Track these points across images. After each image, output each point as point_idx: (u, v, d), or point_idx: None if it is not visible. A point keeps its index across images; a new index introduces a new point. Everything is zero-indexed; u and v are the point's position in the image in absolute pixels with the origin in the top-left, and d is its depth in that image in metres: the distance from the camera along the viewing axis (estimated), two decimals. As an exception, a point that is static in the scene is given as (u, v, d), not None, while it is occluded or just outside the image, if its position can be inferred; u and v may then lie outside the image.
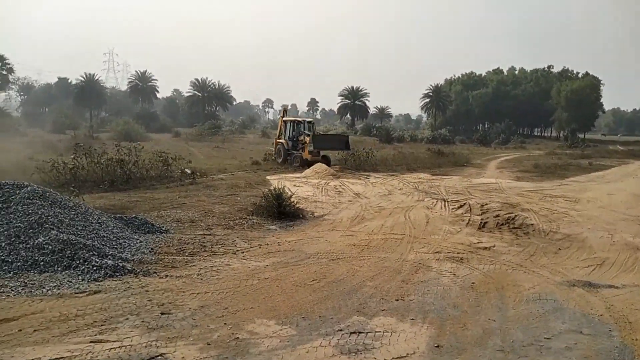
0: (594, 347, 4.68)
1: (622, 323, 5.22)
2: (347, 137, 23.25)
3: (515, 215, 10.22)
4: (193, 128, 46.18)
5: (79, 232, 7.02)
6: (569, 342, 4.77)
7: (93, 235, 7.16)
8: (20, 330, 4.61)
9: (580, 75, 76.50)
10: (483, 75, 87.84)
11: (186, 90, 77.06)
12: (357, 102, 72.34)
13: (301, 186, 14.88)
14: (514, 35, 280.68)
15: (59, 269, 6.19)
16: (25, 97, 77.27)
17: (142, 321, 4.89)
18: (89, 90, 63.89)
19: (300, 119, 23.81)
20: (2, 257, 6.21)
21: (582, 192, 14.49)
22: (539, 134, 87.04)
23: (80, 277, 6.05)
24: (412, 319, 5.20)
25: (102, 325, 4.78)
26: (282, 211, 10.24)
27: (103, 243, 7.07)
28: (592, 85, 68.36)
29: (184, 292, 5.79)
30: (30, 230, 6.66)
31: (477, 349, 4.58)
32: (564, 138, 63.69)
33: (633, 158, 32.89)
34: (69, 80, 73.38)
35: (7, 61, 64.01)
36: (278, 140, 22.72)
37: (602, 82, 70.67)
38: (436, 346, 4.60)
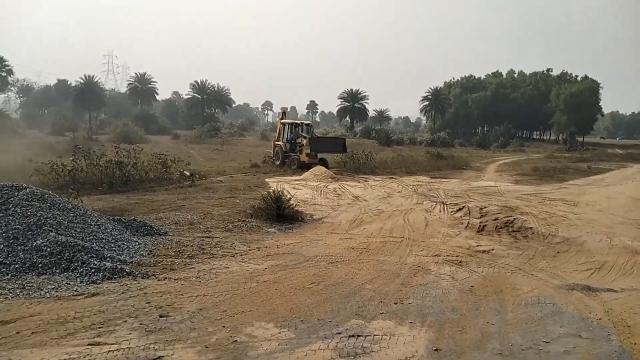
0: (593, 351, 4.68)
1: (621, 327, 5.22)
2: (344, 140, 23.43)
3: (514, 219, 10.22)
4: (192, 130, 46.23)
5: (77, 234, 7.00)
6: (567, 345, 4.76)
7: (91, 237, 7.15)
8: (18, 332, 4.59)
9: (579, 78, 76.75)
10: (482, 78, 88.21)
11: (185, 92, 77.25)
12: (356, 104, 72.50)
13: (300, 189, 14.88)
14: (513, 36, 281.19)
15: (57, 271, 6.18)
16: (24, 99, 77.39)
17: (141, 324, 4.88)
18: (88, 92, 63.89)
19: (298, 122, 23.96)
20: (0, 259, 6.19)
21: (581, 196, 14.50)
22: (538, 137, 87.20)
23: (78, 280, 6.04)
24: (411, 323, 5.20)
25: (100, 327, 4.77)
26: (281, 214, 10.24)
27: (101, 245, 7.06)
28: (591, 88, 68.57)
29: (182, 294, 5.78)
30: (29, 232, 6.65)
31: (476, 353, 4.58)
32: (562, 141, 63.85)
33: (632, 161, 32.95)
34: (69, 82, 73.64)
35: (6, 63, 64.25)
36: (276, 143, 22.77)
37: (601, 85, 70.98)
38: (435, 350, 4.59)
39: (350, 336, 4.79)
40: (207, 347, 4.46)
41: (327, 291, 6.09)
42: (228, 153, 29.95)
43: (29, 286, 5.74)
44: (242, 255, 7.63)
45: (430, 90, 75.42)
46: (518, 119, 75.64)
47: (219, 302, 5.58)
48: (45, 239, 6.53)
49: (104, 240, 7.25)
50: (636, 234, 9.48)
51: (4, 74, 64.64)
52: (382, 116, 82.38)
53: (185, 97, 76.75)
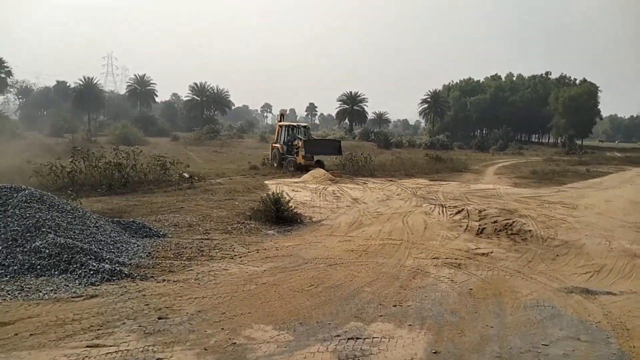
0: (592, 354, 4.68)
1: (620, 330, 5.22)
2: (339, 142, 23.67)
3: (513, 222, 10.24)
4: (191, 132, 46.23)
5: (76, 236, 6.99)
6: (566, 348, 4.76)
7: (90, 239, 7.14)
8: (17, 334, 4.58)
9: (577, 81, 76.87)
10: (481, 81, 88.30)
11: (185, 94, 77.16)
12: (355, 107, 72.44)
13: (299, 191, 14.87)
14: (513, 36, 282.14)
15: (56, 272, 6.17)
16: (23, 100, 77.29)
17: (139, 326, 4.87)
18: (87, 94, 63.82)
19: (295, 124, 24.13)
20: (-1, 261, 6.18)
21: (580, 199, 14.52)
22: (536, 140, 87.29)
23: (77, 281, 6.03)
24: (410, 325, 5.20)
25: (98, 329, 4.76)
26: (280, 216, 10.24)
27: (100, 247, 7.05)
28: (589, 91, 68.62)
29: (181, 296, 5.77)
30: (28, 234, 6.64)
31: (475, 356, 4.58)
32: (561, 144, 63.79)
33: (630, 165, 33.00)
34: (68, 84, 73.45)
35: (5, 64, 64.24)
36: (274, 145, 22.87)
37: (599, 88, 71.08)
38: (434, 352, 4.59)
39: (349, 339, 4.78)
40: (206, 350, 4.45)
41: (326, 294, 6.09)
42: (227, 155, 29.96)
43: (28, 288, 5.74)
44: (241, 257, 7.63)
45: (429, 93, 75.52)
46: (517, 122, 75.71)
47: (217, 304, 5.57)
48: (44, 241, 6.52)
49: (102, 242, 7.24)
50: (635, 237, 9.50)
51: (3, 75, 64.67)
52: (381, 119, 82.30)
53: (185, 99, 76.69)
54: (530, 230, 9.75)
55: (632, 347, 4.81)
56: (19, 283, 5.84)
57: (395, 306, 5.75)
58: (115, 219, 8.89)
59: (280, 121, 24.33)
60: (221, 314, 5.29)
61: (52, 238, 6.58)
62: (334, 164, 21.97)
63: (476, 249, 8.56)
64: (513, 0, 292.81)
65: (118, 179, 14.16)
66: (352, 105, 72.25)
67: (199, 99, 71.66)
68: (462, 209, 11.55)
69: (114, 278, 6.21)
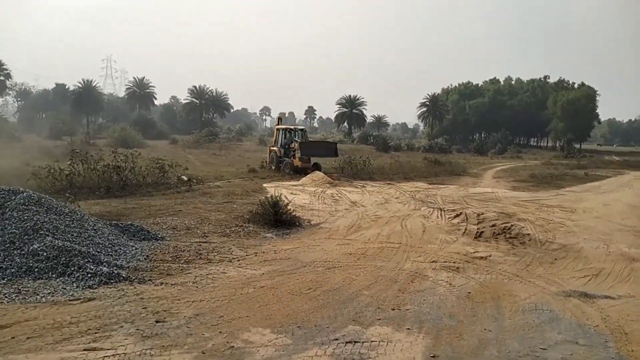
0: (590, 358, 4.68)
1: (618, 334, 5.22)
2: (335, 144, 23.65)
3: (512, 225, 10.24)
4: (190, 135, 46.30)
5: (74, 239, 6.98)
6: (564, 352, 4.76)
7: (88, 242, 7.13)
8: (14, 337, 4.57)
9: (576, 85, 77.14)
10: (480, 85, 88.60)
11: (184, 97, 77.30)
12: (354, 110, 72.58)
13: (298, 194, 14.88)
14: (513, 37, 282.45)
15: (54, 275, 6.15)
16: (22, 103, 77.26)
17: (137, 329, 4.86)
18: (86, 97, 63.94)
19: (292, 127, 24.19)
20: (-4, 264, 6.16)
21: (578, 202, 14.55)
22: (535, 143, 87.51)
23: (74, 284, 6.01)
24: (408, 329, 5.19)
25: (96, 333, 4.74)
26: (279, 219, 10.23)
27: (98, 250, 7.04)
28: (588, 95, 68.88)
29: (179, 300, 5.76)
30: (25, 237, 6.62)
31: (473, 359, 4.57)
32: (560, 148, 64.01)
33: (628, 168, 33.08)
34: (67, 86, 73.48)
35: (4, 66, 64.24)
36: (272, 148, 22.92)
37: (597, 92, 71.30)
38: (432, 356, 4.58)
39: (347, 342, 4.77)
40: (203, 353, 4.44)
41: (325, 297, 6.08)
42: (226, 158, 29.96)
43: (25, 291, 5.72)
44: (239, 260, 7.61)
45: (428, 96, 75.79)
46: (515, 125, 75.96)
47: (215, 308, 5.56)
48: (42, 244, 6.51)
49: (100, 245, 7.23)
50: (633, 241, 9.51)
51: (2, 77, 64.67)
52: (379, 122, 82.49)
53: (184, 101, 76.88)
54: (528, 234, 9.75)
55: (631, 351, 4.80)
56: (16, 286, 5.82)
57: (393, 310, 5.74)
58: (113, 222, 8.88)
59: (278, 124, 24.40)
60: (219, 318, 5.28)
61: (49, 241, 6.57)
62: (333, 167, 21.98)
63: (474, 252, 8.56)
64: (513, 0, 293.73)
65: (116, 181, 14.15)
66: (351, 108, 72.38)
67: (197, 101, 71.80)
68: (461, 213, 11.56)
69: (112, 281, 6.19)
